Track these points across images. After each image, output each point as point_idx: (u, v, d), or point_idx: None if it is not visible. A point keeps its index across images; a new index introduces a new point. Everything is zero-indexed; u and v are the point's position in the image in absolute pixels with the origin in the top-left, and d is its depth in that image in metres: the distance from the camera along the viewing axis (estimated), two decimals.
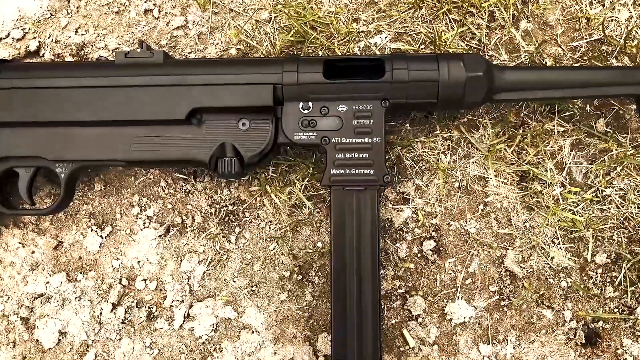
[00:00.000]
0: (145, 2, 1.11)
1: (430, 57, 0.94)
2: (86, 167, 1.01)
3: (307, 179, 1.05)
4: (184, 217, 1.07)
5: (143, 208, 1.07)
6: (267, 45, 1.08)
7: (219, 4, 1.10)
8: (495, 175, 1.04)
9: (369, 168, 0.94)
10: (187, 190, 1.07)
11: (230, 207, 1.06)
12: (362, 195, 0.94)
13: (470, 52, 1.05)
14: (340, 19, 1.06)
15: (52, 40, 1.12)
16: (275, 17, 1.08)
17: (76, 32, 1.12)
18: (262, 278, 1.05)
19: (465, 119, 1.05)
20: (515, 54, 1.06)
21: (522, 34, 1.06)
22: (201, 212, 1.06)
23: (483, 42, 1.05)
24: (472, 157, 1.05)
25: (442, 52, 1.04)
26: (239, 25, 1.09)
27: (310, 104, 0.95)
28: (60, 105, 0.95)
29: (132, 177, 1.08)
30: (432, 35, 1.04)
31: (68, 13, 1.13)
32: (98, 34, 1.11)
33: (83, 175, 1.08)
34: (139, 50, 0.98)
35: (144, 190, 1.08)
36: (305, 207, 1.05)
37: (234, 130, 0.96)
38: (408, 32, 1.06)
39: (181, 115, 0.94)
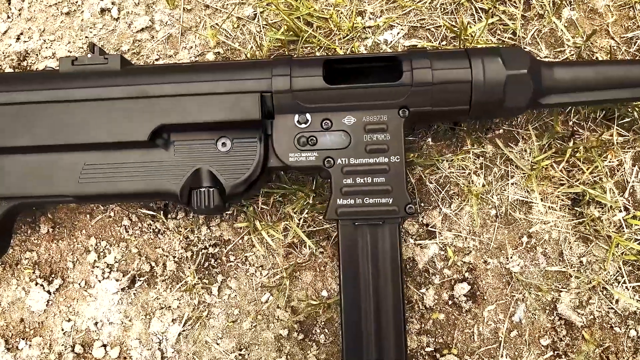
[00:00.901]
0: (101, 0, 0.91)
1: (459, 52, 0.74)
2: (26, 205, 0.79)
3: (307, 210, 0.84)
4: (153, 264, 0.85)
5: (102, 254, 0.85)
6: (252, 47, 0.87)
7: None
8: (541, 199, 0.83)
9: (387, 196, 0.73)
10: (157, 230, 0.85)
11: (210, 250, 0.84)
12: (379, 231, 0.73)
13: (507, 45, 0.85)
14: (342, 12, 0.86)
15: None
16: (261, 12, 0.88)
17: (18, 39, 0.91)
18: (254, 339, 0.82)
19: (501, 130, 0.85)
20: (559, 49, 0.86)
21: (566, 24, 0.86)
22: (174, 257, 0.84)
23: (518, 36, 0.85)
24: (512, 177, 0.84)
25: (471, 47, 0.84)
26: (216, 24, 0.89)
27: (308, 116, 0.74)
28: None
29: (88, 216, 0.86)
30: (456, 28, 0.84)
31: (8, 17, 0.92)
32: (44, 41, 0.91)
33: (24, 214, 0.86)
34: (89, 55, 0.77)
35: (103, 231, 0.86)
36: (305, 247, 0.84)
37: (211, 153, 0.75)
38: (425, 25, 0.86)
39: (143, 136, 0.73)
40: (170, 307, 0.83)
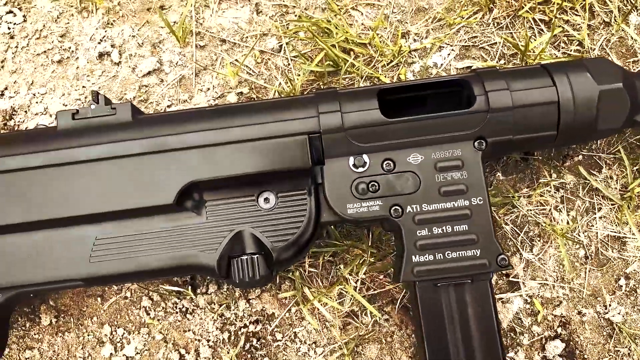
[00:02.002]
0: (99, 42, 0.78)
1: (536, 69, 0.63)
2: (24, 295, 0.64)
3: (364, 270, 0.70)
4: (183, 352, 0.69)
5: (119, 345, 0.70)
6: (280, 83, 0.75)
7: (205, 34, 0.77)
8: (638, 232, 0.71)
9: (472, 247, 0.59)
10: (184, 309, 0.70)
11: (252, 328, 0.70)
12: (467, 290, 0.60)
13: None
14: (382, 36, 0.75)
15: None
16: (287, 42, 0.76)
17: (2, 94, 0.78)
18: None
19: (580, 157, 0.73)
20: (632, 58, 0.75)
21: (636, 31, 0.75)
22: (209, 341, 0.69)
23: (586, 47, 0.74)
24: (599, 209, 0.71)
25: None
26: (236, 60, 0.76)
27: (365, 157, 0.61)
28: None
29: (98, 299, 0.71)
30: (516, 43, 0.73)
31: None
32: (34, 95, 0.77)
33: (22, 303, 0.70)
34: (93, 106, 0.63)
35: (118, 316, 0.71)
36: (366, 315, 0.69)
37: (252, 212, 0.61)
38: (478, 43, 0.75)
39: (168, 198, 0.59)
40: None
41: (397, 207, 0.60)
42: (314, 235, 0.62)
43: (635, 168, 0.71)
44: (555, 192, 0.72)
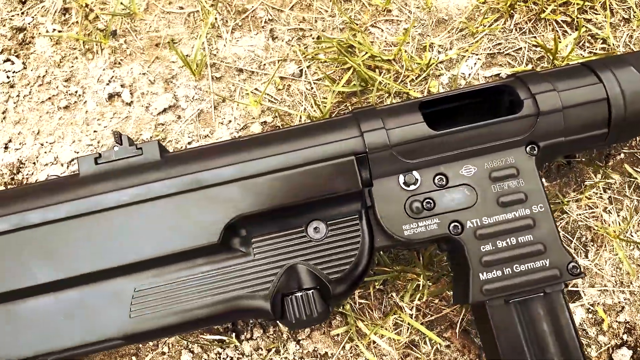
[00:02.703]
0: (108, 83, 0.74)
1: (578, 68, 0.61)
2: None
3: (419, 296, 0.65)
4: None
5: None
6: (305, 108, 0.71)
7: (220, 65, 0.74)
8: None
9: (540, 257, 0.56)
10: (230, 359, 0.65)
11: None
12: (540, 304, 0.56)
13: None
14: (406, 51, 0.72)
15: None
16: (308, 67, 0.73)
17: (6, 147, 0.72)
18: None
19: (622, 155, 0.71)
20: None
21: None
22: None
23: (611, 44, 0.73)
24: None
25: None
26: (256, 89, 0.73)
27: (415, 174, 0.57)
28: None
29: (133, 358, 0.65)
30: (544, 45, 0.71)
31: None
32: (41, 144, 0.72)
33: None
34: (116, 149, 0.59)
35: None
36: (425, 343, 0.65)
37: (302, 244, 0.57)
38: (504, 50, 0.73)
39: (213, 238, 0.55)
40: None
41: (456, 224, 0.57)
42: (370, 262, 0.57)
43: None
44: (602, 194, 0.69)
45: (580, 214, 0.68)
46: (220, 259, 0.56)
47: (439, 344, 0.64)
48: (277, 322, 0.59)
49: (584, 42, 0.74)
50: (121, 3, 0.74)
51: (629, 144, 0.71)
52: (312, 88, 0.72)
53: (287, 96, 0.73)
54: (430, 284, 0.65)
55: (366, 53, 0.70)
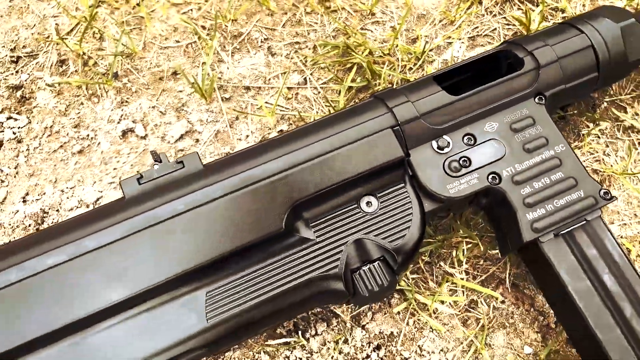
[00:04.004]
0: (119, 122, 0.75)
1: (559, 26, 0.70)
2: None
3: (466, 261, 0.68)
4: None
5: None
6: (317, 110, 0.75)
7: (227, 85, 0.77)
8: None
9: (575, 189, 0.61)
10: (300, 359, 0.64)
11: (375, 356, 0.64)
12: (585, 232, 0.60)
13: None
14: (397, 45, 0.78)
15: None
16: (311, 74, 0.77)
17: (24, 200, 0.71)
18: None
19: (605, 104, 0.78)
20: None
21: None
22: None
23: (570, 13, 0.82)
24: (639, 143, 0.76)
25: None
26: (267, 103, 0.76)
27: (446, 138, 0.62)
28: (58, 297, 0.52)
29: None
30: (519, 17, 0.79)
31: (2, 181, 0.72)
32: (62, 191, 0.71)
33: None
34: (156, 167, 0.59)
35: None
36: (482, 303, 0.67)
37: (359, 218, 0.59)
38: (482, 33, 0.81)
39: (278, 225, 0.56)
40: None
41: (494, 175, 0.61)
42: (424, 226, 0.60)
43: None
44: (599, 140, 0.76)
45: (584, 160, 0.75)
46: (285, 247, 0.57)
47: (495, 298, 0.67)
48: (348, 302, 0.60)
49: (547, 16, 0.83)
50: (122, 44, 0.76)
51: (608, 95, 0.79)
52: (318, 92, 0.76)
53: (296, 104, 0.76)
54: (473, 246, 0.68)
55: (365, 49, 0.75)
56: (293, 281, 0.56)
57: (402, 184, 0.60)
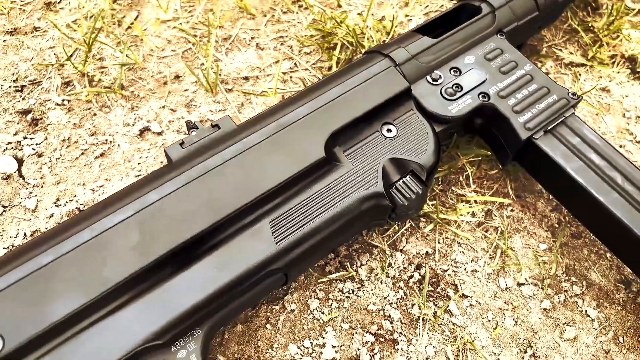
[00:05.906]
0: (133, 124, 0.80)
1: None
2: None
3: (473, 173, 0.78)
4: (374, 328, 0.66)
5: (314, 356, 0.64)
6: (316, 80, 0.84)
7: (228, 79, 0.85)
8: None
9: (549, 95, 0.74)
10: (353, 289, 0.69)
11: (417, 276, 0.70)
12: (568, 126, 0.72)
13: None
14: (370, 23, 0.90)
15: (23, 234, 0.70)
16: (300, 59, 0.87)
17: (56, 204, 0.73)
18: (524, 331, 0.68)
19: (545, 49, 0.94)
20: None
21: None
22: (391, 304, 0.68)
23: None
24: (585, 73, 0.91)
25: None
26: (268, 88, 0.84)
27: (437, 72, 0.73)
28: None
29: (268, 326, 0.66)
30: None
31: (30, 192, 0.74)
32: (92, 190, 0.74)
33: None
34: (194, 132, 0.66)
35: (296, 331, 0.66)
36: (493, 215, 0.76)
37: (384, 143, 0.68)
38: (434, 9, 0.95)
39: (320, 153, 0.63)
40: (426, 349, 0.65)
41: (483, 94, 0.72)
42: (440, 142, 0.69)
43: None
44: (547, 75, 0.90)
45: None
46: (328, 175, 0.63)
47: (507, 205, 0.76)
48: (390, 218, 0.66)
49: None
50: (127, 56, 0.82)
51: (546, 42, 0.94)
52: (310, 72, 0.86)
53: (293, 85, 0.85)
54: (476, 168, 0.78)
55: (346, 27, 0.86)
56: (344, 201, 0.62)
57: (413, 110, 0.70)
